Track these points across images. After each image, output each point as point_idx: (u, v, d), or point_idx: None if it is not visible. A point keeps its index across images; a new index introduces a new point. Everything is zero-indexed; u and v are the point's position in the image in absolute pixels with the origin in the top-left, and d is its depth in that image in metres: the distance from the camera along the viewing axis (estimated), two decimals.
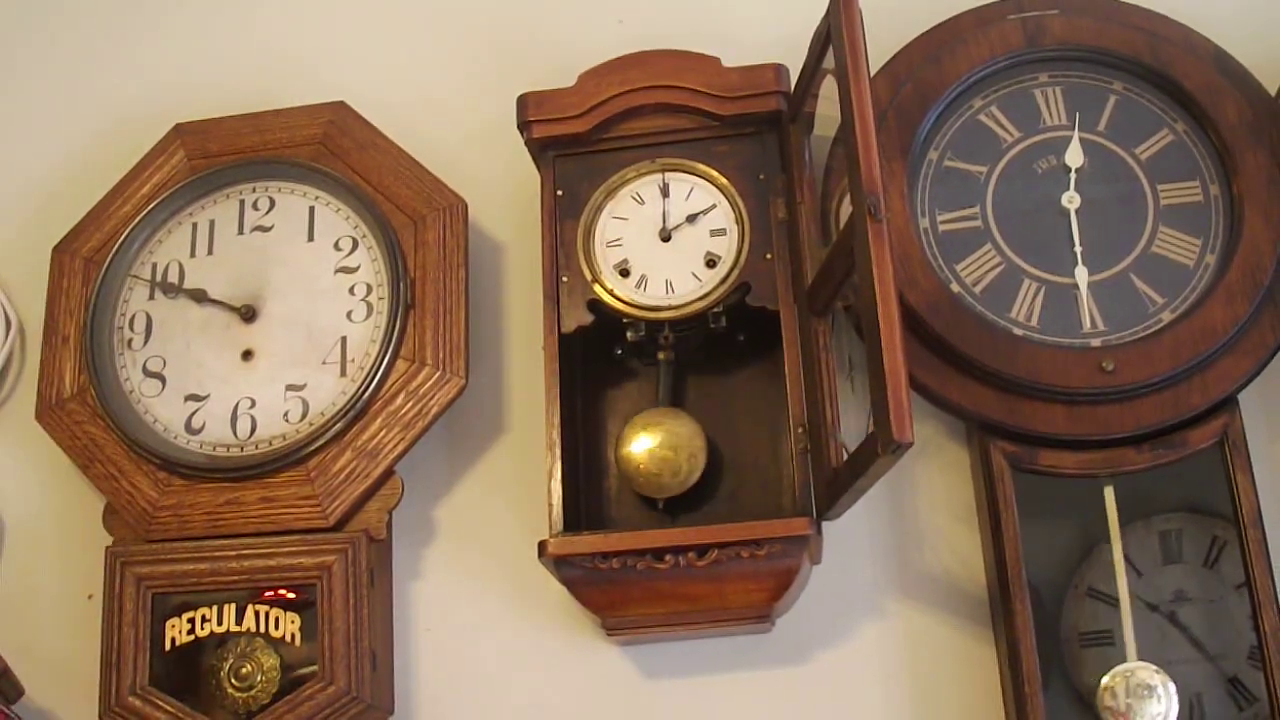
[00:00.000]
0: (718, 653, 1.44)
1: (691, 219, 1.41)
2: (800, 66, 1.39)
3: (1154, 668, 1.28)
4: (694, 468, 1.39)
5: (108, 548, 1.45)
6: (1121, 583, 1.32)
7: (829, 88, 1.31)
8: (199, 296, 1.52)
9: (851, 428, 1.32)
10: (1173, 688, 1.27)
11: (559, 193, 1.45)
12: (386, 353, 1.45)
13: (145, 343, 1.52)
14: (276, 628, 1.41)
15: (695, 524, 1.38)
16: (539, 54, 1.66)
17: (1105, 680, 1.29)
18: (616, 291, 1.40)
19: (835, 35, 1.24)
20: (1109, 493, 1.34)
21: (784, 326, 1.36)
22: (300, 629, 1.40)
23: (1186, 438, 1.33)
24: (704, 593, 1.32)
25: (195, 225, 1.57)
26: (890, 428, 1.07)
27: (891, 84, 1.46)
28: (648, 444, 1.39)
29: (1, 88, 1.81)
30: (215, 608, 1.42)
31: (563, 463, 1.37)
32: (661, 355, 1.43)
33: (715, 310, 1.38)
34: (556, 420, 1.37)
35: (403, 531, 1.50)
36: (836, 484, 1.24)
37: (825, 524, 1.32)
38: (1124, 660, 1.30)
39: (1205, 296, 1.35)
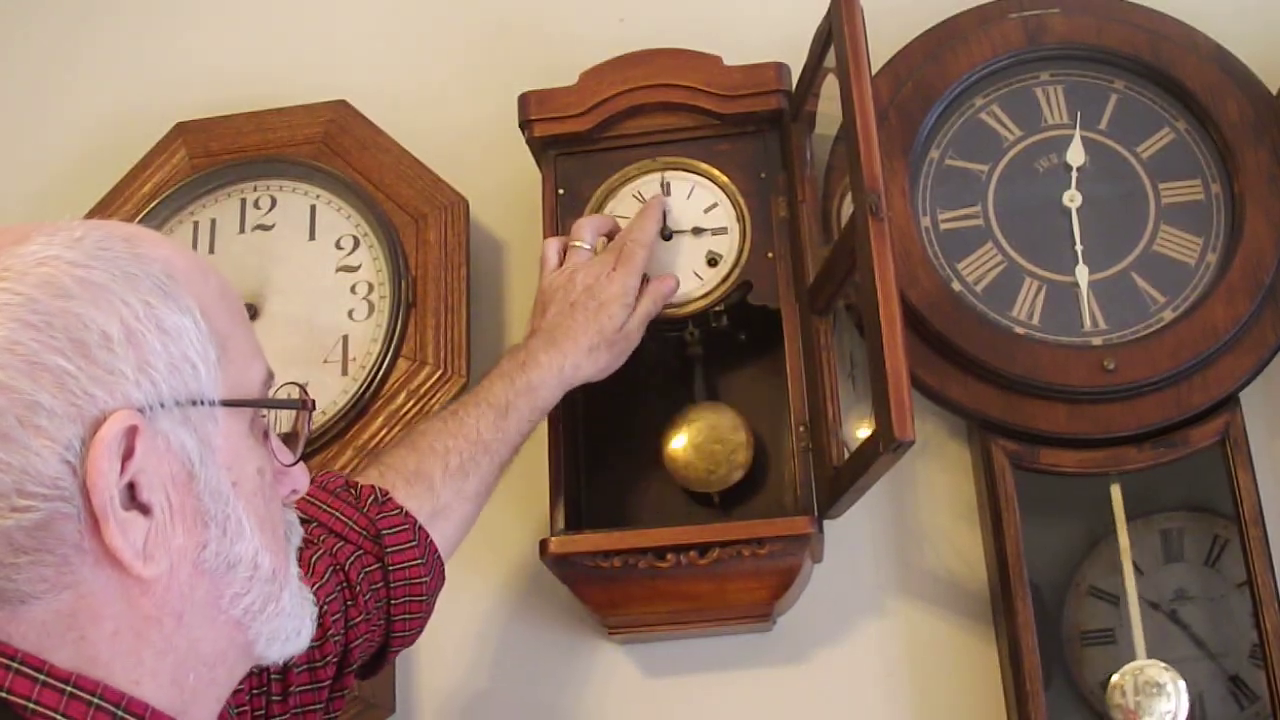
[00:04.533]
0: (719, 652, 1.44)
1: (697, 232, 1.40)
2: (801, 65, 1.39)
3: (1163, 665, 1.28)
4: (738, 461, 1.39)
5: None
6: (1128, 580, 1.32)
7: (830, 86, 1.31)
8: None
9: (853, 426, 1.32)
10: (1183, 685, 1.27)
11: (560, 191, 1.45)
12: (388, 352, 1.45)
13: None
14: None
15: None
16: (540, 52, 1.65)
17: (1115, 678, 1.29)
18: None
19: (836, 34, 1.24)
20: (1115, 490, 1.34)
21: (785, 325, 1.36)
22: None
23: (1188, 436, 1.33)
24: (705, 591, 1.32)
25: (196, 224, 1.57)
26: (892, 426, 1.07)
27: (892, 82, 1.46)
28: (688, 440, 1.40)
29: (2, 87, 1.81)
30: None
31: (564, 461, 1.37)
32: (689, 352, 1.44)
33: (717, 309, 1.38)
34: (558, 418, 1.37)
35: None
36: (838, 483, 1.24)
37: (826, 522, 1.32)
38: (1127, 658, 1.30)
39: (1206, 295, 1.35)
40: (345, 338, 1.48)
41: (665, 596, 1.32)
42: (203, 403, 0.74)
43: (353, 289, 1.51)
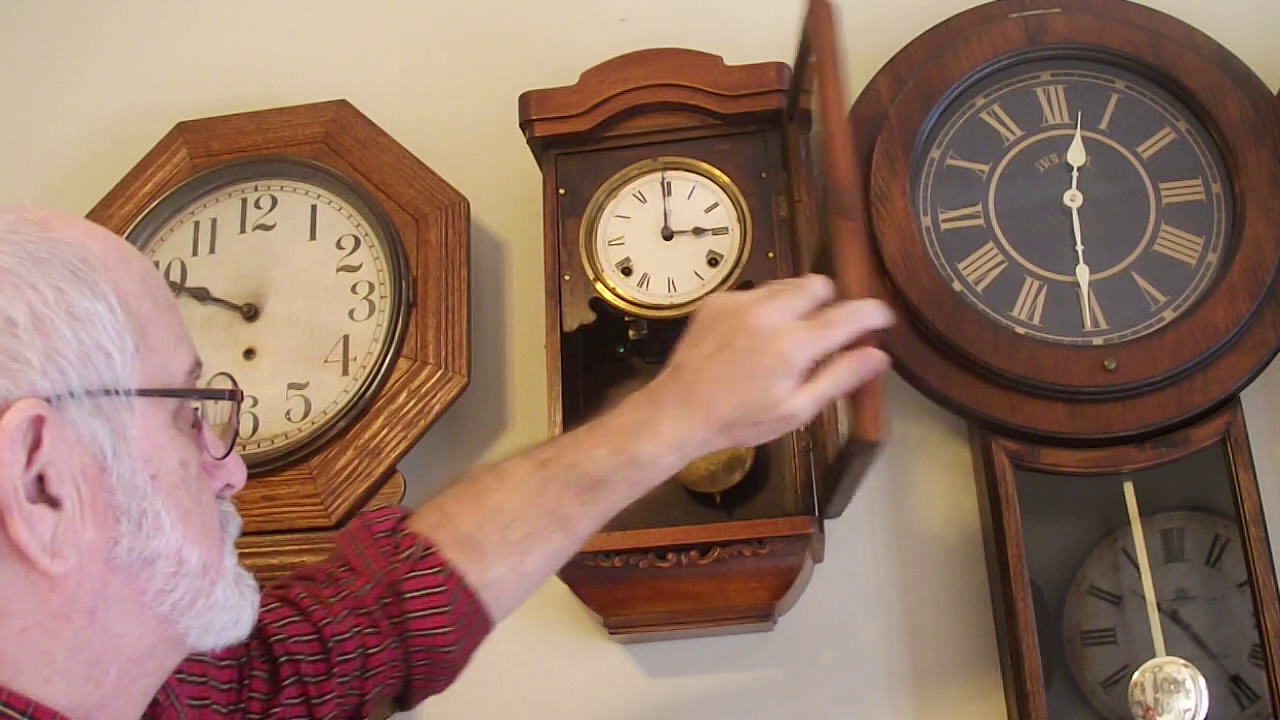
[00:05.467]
0: (720, 651, 1.44)
1: (698, 232, 1.40)
2: None
3: (1182, 662, 1.28)
4: (745, 458, 1.37)
5: None
6: (1146, 578, 1.32)
7: None
8: (201, 295, 1.52)
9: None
10: (1203, 682, 1.27)
11: (561, 191, 1.45)
12: (389, 351, 1.45)
13: None
14: None
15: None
16: (541, 52, 1.65)
17: (1135, 675, 1.29)
18: (619, 290, 1.40)
19: (808, 36, 1.22)
20: (1128, 488, 1.34)
21: None
22: None
23: (1188, 436, 1.33)
24: (706, 591, 1.32)
25: (197, 224, 1.57)
26: (865, 429, 1.05)
27: (893, 82, 1.46)
28: None
29: (3, 86, 1.82)
30: None
31: None
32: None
33: None
34: (559, 419, 1.36)
35: None
36: (826, 481, 1.24)
37: (826, 522, 1.32)
38: (1127, 658, 1.30)
39: (1207, 295, 1.35)
40: (346, 337, 1.48)
41: (666, 596, 1.32)
42: (117, 392, 0.71)
43: (353, 289, 1.51)
